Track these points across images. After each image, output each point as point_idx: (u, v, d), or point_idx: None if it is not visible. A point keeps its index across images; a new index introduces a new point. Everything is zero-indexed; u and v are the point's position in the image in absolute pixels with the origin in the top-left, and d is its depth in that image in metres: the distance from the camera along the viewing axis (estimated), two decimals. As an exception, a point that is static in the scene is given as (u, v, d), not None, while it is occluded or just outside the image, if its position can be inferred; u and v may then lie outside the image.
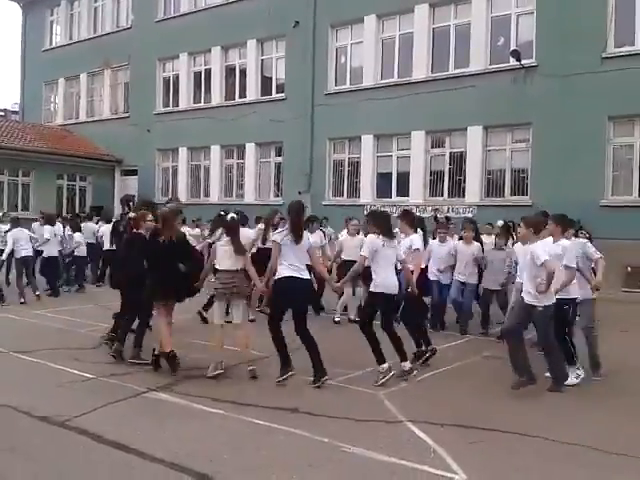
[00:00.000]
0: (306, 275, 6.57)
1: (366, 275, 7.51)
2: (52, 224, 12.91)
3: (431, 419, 5.39)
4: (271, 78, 21.00)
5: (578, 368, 6.77)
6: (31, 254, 12.02)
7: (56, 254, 12.75)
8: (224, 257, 6.84)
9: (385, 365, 6.52)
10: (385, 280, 6.65)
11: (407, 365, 6.73)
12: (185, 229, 11.17)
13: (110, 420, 5.25)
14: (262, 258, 7.87)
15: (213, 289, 6.96)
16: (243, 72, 21.40)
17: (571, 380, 6.56)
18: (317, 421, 5.35)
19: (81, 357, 7.40)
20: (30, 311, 10.67)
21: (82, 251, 13.47)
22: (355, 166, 18.71)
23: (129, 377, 6.59)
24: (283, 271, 6.42)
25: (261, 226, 10.87)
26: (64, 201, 24.16)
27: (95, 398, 5.76)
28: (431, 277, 9.77)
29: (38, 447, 4.70)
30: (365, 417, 5.44)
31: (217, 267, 6.90)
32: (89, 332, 8.95)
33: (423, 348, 7.44)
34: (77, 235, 13.48)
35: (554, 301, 6.33)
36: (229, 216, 7.15)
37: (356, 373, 6.83)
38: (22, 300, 11.52)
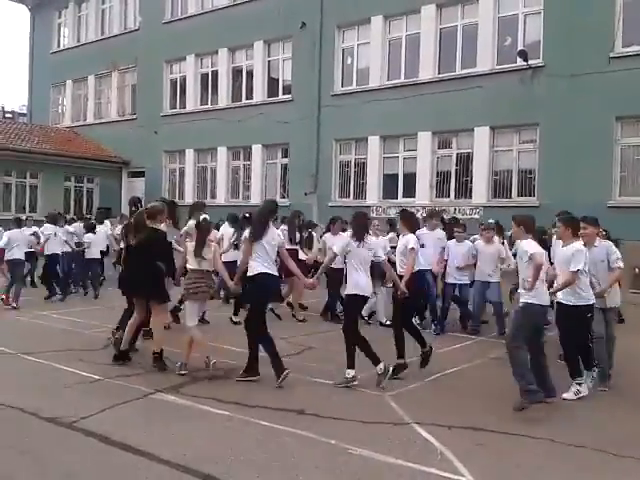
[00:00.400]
0: (276, 272, 6.71)
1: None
2: (54, 223, 12.74)
3: (438, 421, 5.37)
4: (278, 79, 21.04)
5: (592, 377, 6.52)
6: (21, 257, 11.59)
7: (58, 252, 12.47)
8: (200, 259, 6.95)
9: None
10: (357, 281, 6.60)
11: (381, 367, 6.49)
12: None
13: (117, 421, 5.25)
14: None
15: (183, 289, 7.05)
16: (250, 74, 21.45)
17: (584, 390, 6.28)
18: (323, 423, 5.34)
19: (88, 358, 7.41)
20: (36, 312, 10.71)
21: (92, 253, 13.16)
22: (361, 167, 18.70)
23: (136, 378, 6.60)
24: (259, 267, 6.50)
25: (284, 227, 11.16)
26: (72, 203, 24.27)
27: (102, 399, 5.77)
28: (449, 280, 9.84)
29: (46, 448, 4.70)
30: (372, 419, 5.43)
31: (188, 267, 7.01)
32: (95, 333, 8.97)
33: (427, 349, 7.16)
34: (87, 236, 13.21)
35: (540, 302, 5.91)
36: (201, 217, 7.27)
37: (362, 374, 6.79)
38: (14, 304, 11.16)
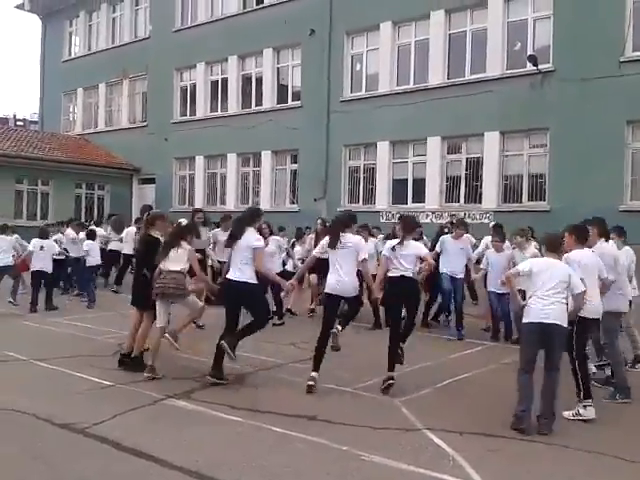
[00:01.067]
0: (244, 277, 6.63)
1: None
2: (42, 237, 12.11)
3: (450, 427, 5.35)
4: (287, 86, 21.10)
5: (588, 405, 5.76)
6: (8, 264, 11.52)
7: (43, 269, 11.79)
8: (168, 260, 7.01)
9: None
10: (328, 280, 6.69)
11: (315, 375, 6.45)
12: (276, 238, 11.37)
13: (129, 427, 5.27)
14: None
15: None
16: (259, 80, 21.52)
17: (588, 414, 5.72)
18: (335, 429, 5.33)
19: (99, 364, 7.44)
20: (47, 318, 10.76)
21: (90, 261, 12.96)
22: (371, 172, 18.70)
23: (147, 384, 6.61)
24: (228, 273, 6.81)
25: (312, 235, 11.41)
26: (82, 210, 24.42)
27: (114, 405, 5.79)
28: (490, 288, 9.78)
29: (58, 454, 4.73)
30: (383, 425, 5.41)
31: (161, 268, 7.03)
32: (106, 339, 9.01)
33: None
34: (86, 243, 13.02)
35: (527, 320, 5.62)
36: (182, 222, 7.41)
37: (374, 380, 6.78)
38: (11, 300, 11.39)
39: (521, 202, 15.79)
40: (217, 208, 21.78)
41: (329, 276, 6.68)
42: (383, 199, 18.17)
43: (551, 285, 5.53)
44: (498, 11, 16.07)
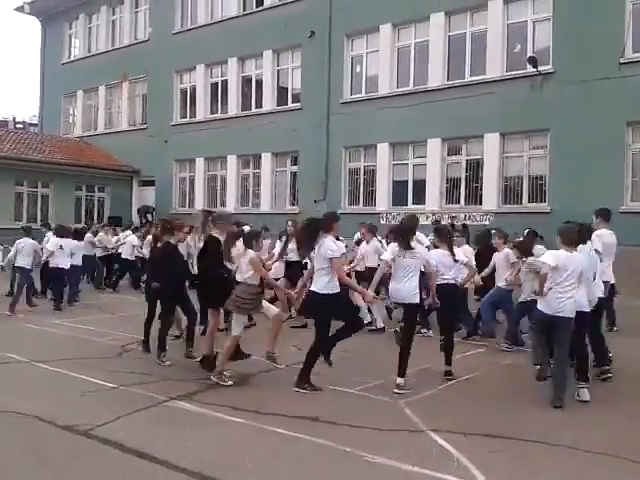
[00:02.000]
0: (316, 288, 6.51)
1: None
2: (60, 236, 12.41)
3: (453, 428, 5.34)
4: (287, 88, 21.14)
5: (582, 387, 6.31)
6: (25, 266, 11.66)
7: (62, 266, 12.13)
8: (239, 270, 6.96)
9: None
10: (392, 289, 6.67)
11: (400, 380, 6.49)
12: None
13: (133, 429, 5.26)
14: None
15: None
16: (259, 83, 21.56)
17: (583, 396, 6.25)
18: (339, 430, 5.32)
19: (102, 366, 7.43)
20: (49, 320, 10.75)
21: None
22: (371, 174, 18.73)
23: (150, 386, 6.60)
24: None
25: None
26: (82, 212, 24.42)
27: (117, 407, 5.78)
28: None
29: (62, 456, 4.72)
30: (387, 426, 5.40)
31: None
32: (108, 341, 9.01)
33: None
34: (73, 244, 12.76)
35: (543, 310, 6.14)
36: (245, 228, 7.41)
37: (376, 382, 6.79)
38: (8, 312, 11.12)
39: (521, 203, 15.82)
40: (217, 210, 21.78)
41: (394, 285, 6.64)
42: (383, 201, 18.20)
43: (572, 281, 5.98)
44: (498, 13, 16.12)
